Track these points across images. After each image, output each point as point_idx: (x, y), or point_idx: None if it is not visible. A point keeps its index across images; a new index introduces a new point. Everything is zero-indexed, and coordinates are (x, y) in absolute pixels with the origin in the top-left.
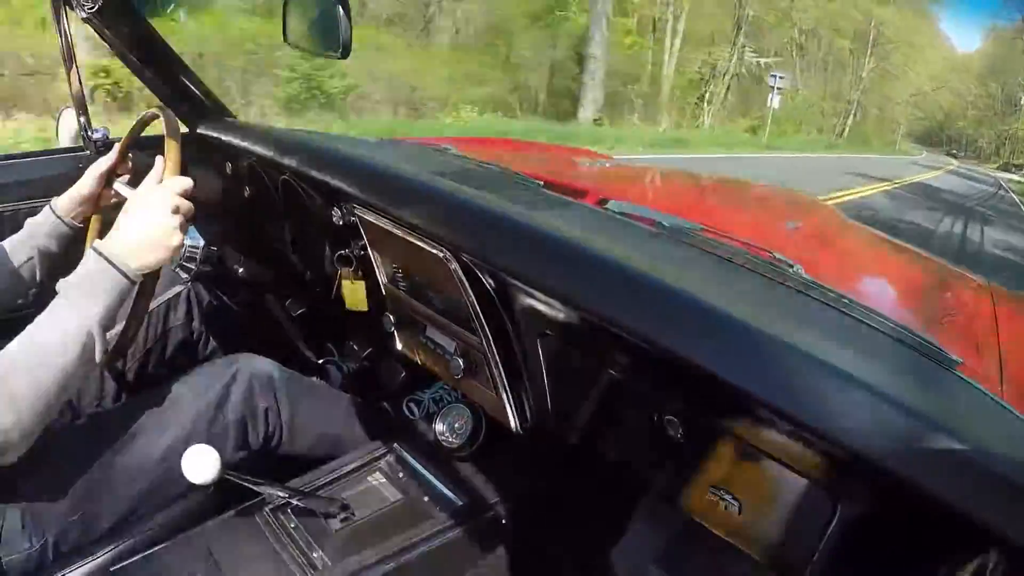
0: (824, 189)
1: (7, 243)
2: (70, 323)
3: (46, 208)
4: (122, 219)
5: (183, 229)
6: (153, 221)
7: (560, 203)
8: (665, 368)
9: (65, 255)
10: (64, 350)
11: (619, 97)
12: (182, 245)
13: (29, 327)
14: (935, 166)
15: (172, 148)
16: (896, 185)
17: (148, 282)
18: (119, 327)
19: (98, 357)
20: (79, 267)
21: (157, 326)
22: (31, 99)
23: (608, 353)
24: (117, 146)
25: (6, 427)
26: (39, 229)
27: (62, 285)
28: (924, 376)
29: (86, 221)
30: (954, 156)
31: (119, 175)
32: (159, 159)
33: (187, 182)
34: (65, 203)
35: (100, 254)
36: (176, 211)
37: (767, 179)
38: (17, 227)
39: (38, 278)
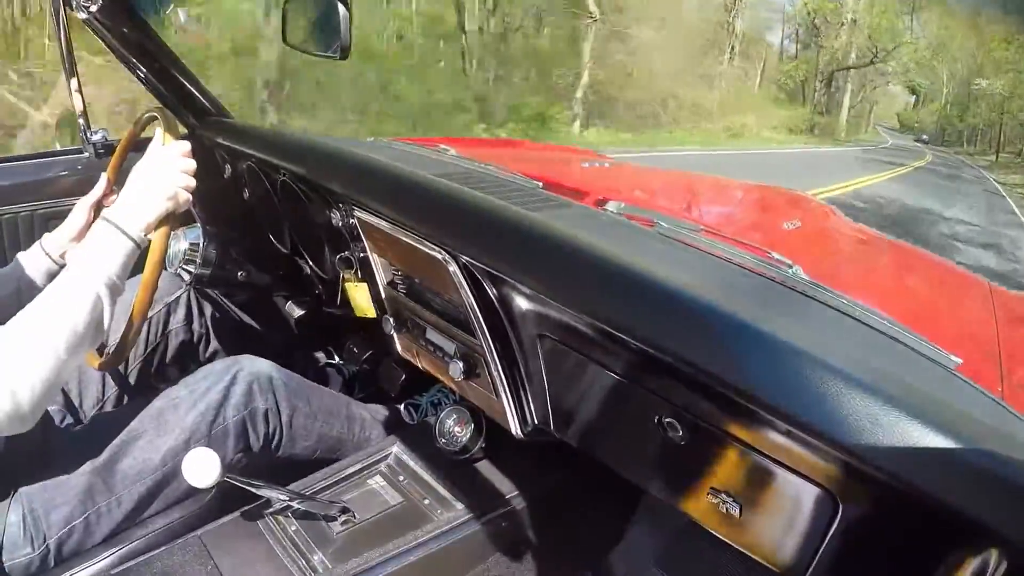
0: None
1: None
2: (78, 285)
3: (36, 245)
4: (125, 187)
5: (180, 182)
6: (152, 180)
7: (559, 204)
8: (665, 370)
9: (68, 251)
10: (73, 313)
11: None
12: (181, 199)
13: (39, 295)
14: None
15: (171, 122)
16: None
17: (151, 272)
18: (120, 330)
19: (106, 321)
20: (87, 235)
21: (158, 328)
22: None
23: (608, 355)
24: (104, 176)
25: (16, 389)
26: (29, 266)
27: (71, 254)
28: (924, 376)
29: None
30: (924, 143)
31: (108, 206)
32: (158, 130)
33: (184, 144)
34: (56, 240)
35: (105, 219)
36: (169, 163)
37: None
38: (16, 230)
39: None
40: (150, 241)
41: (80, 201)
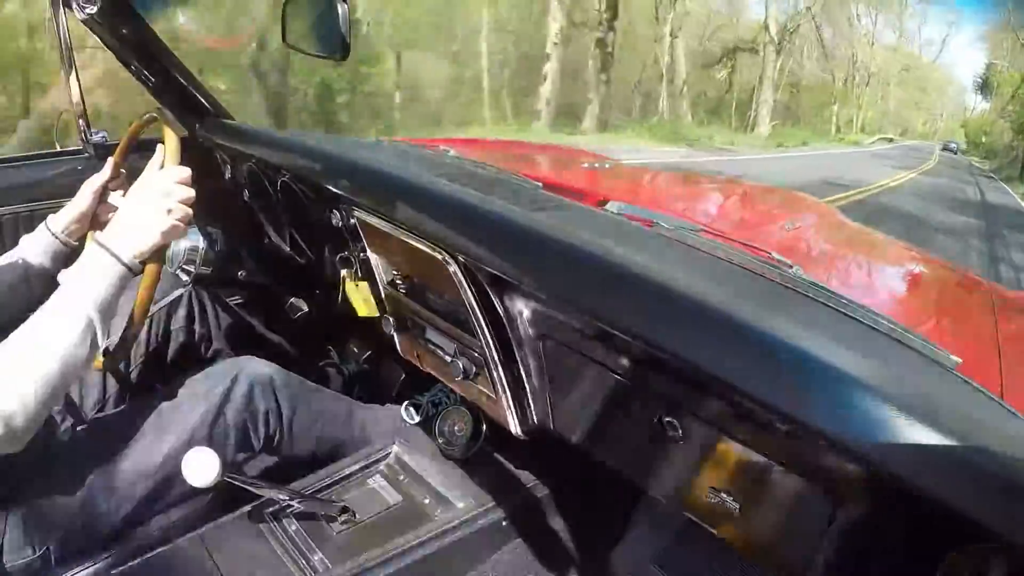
0: None
1: (0, 260)
2: (70, 310)
3: (41, 226)
4: (120, 209)
5: (178, 214)
6: (146, 207)
7: (559, 204)
8: (665, 369)
9: (59, 272)
10: (65, 336)
11: None
12: (178, 231)
13: (32, 316)
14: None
15: (171, 140)
16: None
17: (151, 269)
18: (122, 329)
19: (100, 343)
20: (79, 258)
21: (159, 329)
22: None
23: (608, 355)
24: (111, 160)
25: (11, 413)
26: (34, 247)
27: (63, 275)
28: (924, 376)
29: (81, 239)
30: (951, 151)
31: (113, 189)
32: (159, 147)
33: (184, 171)
34: (61, 221)
35: (97, 242)
36: (167, 195)
37: None
38: (16, 230)
39: (32, 296)
40: (145, 263)
41: (85, 184)
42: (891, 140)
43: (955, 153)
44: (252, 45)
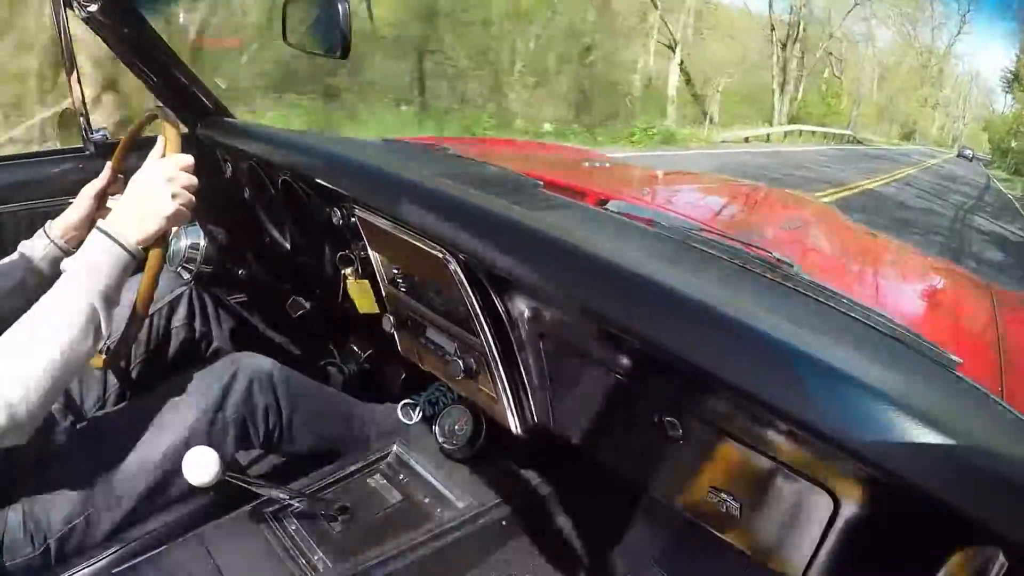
0: None
1: None
2: (73, 298)
3: (40, 232)
4: (123, 197)
5: (181, 199)
6: (148, 192)
7: (559, 203)
8: (665, 368)
9: (57, 279)
10: (68, 325)
11: None
12: (182, 215)
13: (35, 305)
14: None
15: (172, 131)
16: None
17: (154, 255)
18: (122, 327)
19: (104, 331)
20: (82, 245)
21: (159, 327)
22: None
23: (608, 353)
24: (109, 164)
25: (14, 402)
26: (32, 252)
27: (66, 263)
28: (924, 376)
29: (79, 245)
30: (967, 158)
31: (112, 194)
32: (160, 138)
33: (186, 158)
34: (59, 226)
35: (100, 230)
36: (171, 180)
37: None
38: (17, 227)
39: (30, 302)
40: (148, 249)
41: (84, 189)
42: (859, 143)
43: (970, 161)
44: None
